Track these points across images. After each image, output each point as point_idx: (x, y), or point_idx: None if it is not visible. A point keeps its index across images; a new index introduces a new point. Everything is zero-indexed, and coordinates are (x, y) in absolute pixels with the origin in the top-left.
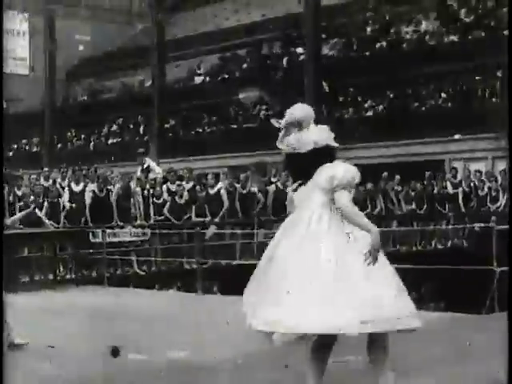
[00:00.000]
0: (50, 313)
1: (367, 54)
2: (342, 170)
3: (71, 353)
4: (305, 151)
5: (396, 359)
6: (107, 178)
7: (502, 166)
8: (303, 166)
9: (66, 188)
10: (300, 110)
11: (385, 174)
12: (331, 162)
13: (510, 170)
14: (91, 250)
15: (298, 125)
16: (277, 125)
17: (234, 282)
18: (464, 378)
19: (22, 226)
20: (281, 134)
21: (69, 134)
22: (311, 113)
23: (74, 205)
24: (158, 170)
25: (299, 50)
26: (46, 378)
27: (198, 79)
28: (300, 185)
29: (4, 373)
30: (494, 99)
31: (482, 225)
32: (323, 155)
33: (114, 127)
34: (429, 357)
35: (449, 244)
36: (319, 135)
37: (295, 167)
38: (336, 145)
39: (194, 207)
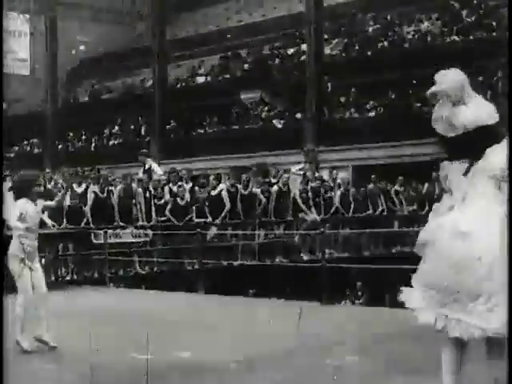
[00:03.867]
0: (52, 314)
1: (369, 54)
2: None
3: (74, 353)
4: (454, 135)
5: (399, 360)
6: (108, 178)
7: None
8: (458, 148)
9: (68, 189)
10: (449, 79)
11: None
12: (496, 142)
13: (509, 170)
14: (93, 251)
15: (447, 98)
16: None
17: (235, 282)
18: (465, 378)
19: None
20: (434, 110)
21: (70, 135)
22: (463, 81)
23: (77, 204)
24: (159, 171)
25: (301, 50)
26: (49, 378)
27: (199, 80)
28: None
29: (5, 373)
30: (495, 100)
31: None
32: (483, 137)
33: (116, 128)
34: (430, 357)
35: None
36: (474, 114)
37: (450, 149)
38: (497, 120)
39: (195, 208)
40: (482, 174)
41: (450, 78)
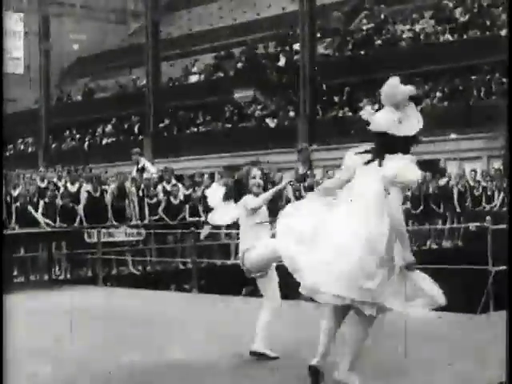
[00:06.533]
0: (46, 313)
1: (362, 53)
2: (405, 170)
3: (68, 353)
4: (372, 130)
5: (393, 359)
6: (101, 177)
7: (497, 165)
8: (375, 144)
9: (62, 188)
10: (385, 86)
11: None
12: (402, 152)
13: (509, 169)
14: (86, 250)
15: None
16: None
17: (228, 281)
18: (461, 378)
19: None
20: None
21: (64, 133)
22: (392, 91)
23: (69, 204)
24: (152, 170)
25: (294, 49)
26: (44, 378)
27: (192, 78)
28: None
29: (4, 374)
30: (489, 99)
31: (478, 224)
32: (385, 143)
33: (109, 127)
34: (425, 356)
35: (444, 244)
36: (378, 119)
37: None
38: (408, 134)
39: (188, 207)
40: (378, 177)
41: (385, 85)
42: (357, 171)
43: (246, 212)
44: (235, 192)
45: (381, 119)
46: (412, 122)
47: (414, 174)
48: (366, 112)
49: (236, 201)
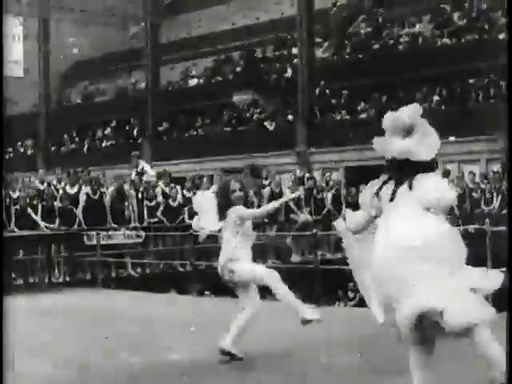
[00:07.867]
0: (45, 315)
1: (360, 56)
2: (449, 193)
3: (68, 355)
4: (386, 158)
5: (394, 359)
6: (99, 180)
7: (496, 167)
8: (393, 170)
9: (61, 190)
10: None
11: None
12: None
13: (509, 171)
14: (86, 253)
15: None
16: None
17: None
18: (461, 378)
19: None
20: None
21: (64, 136)
22: (399, 120)
23: (68, 207)
24: (151, 173)
25: (292, 53)
26: (44, 379)
27: (191, 82)
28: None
29: (3, 374)
30: (487, 102)
31: (476, 226)
32: (407, 168)
33: (108, 130)
34: None
35: None
36: (400, 147)
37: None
38: (427, 159)
39: (187, 209)
40: (411, 199)
41: (388, 117)
42: (384, 210)
43: (235, 222)
44: (220, 203)
45: (403, 147)
46: (431, 141)
47: (453, 195)
48: (378, 143)
49: (221, 211)
